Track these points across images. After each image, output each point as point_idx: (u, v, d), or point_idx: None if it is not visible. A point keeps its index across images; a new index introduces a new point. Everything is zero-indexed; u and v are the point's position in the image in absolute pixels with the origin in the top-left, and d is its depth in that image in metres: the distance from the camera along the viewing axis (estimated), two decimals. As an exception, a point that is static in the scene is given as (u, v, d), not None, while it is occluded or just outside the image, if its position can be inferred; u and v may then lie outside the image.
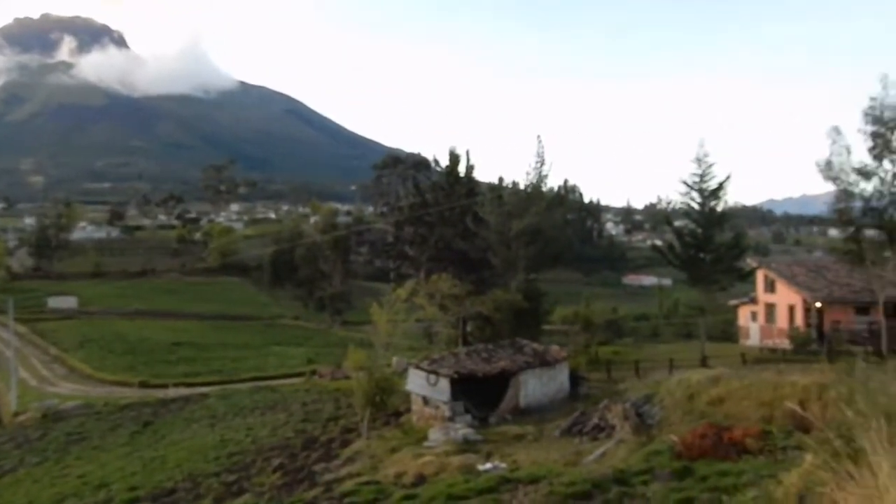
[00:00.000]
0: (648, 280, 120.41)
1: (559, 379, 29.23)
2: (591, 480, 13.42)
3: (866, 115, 28.58)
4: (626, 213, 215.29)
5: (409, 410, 29.00)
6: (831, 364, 23.29)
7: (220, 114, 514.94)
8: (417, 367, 28.73)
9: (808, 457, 7.54)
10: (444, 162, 52.18)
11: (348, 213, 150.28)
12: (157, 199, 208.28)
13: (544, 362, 28.99)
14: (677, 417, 21.72)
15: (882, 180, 29.43)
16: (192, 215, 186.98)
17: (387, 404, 28.97)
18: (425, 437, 23.66)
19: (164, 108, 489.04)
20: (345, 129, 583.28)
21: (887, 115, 28.06)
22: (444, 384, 26.93)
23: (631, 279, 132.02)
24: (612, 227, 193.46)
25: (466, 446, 21.73)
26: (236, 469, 25.11)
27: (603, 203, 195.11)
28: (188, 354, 66.75)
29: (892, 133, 28.20)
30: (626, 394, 25.81)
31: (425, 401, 27.76)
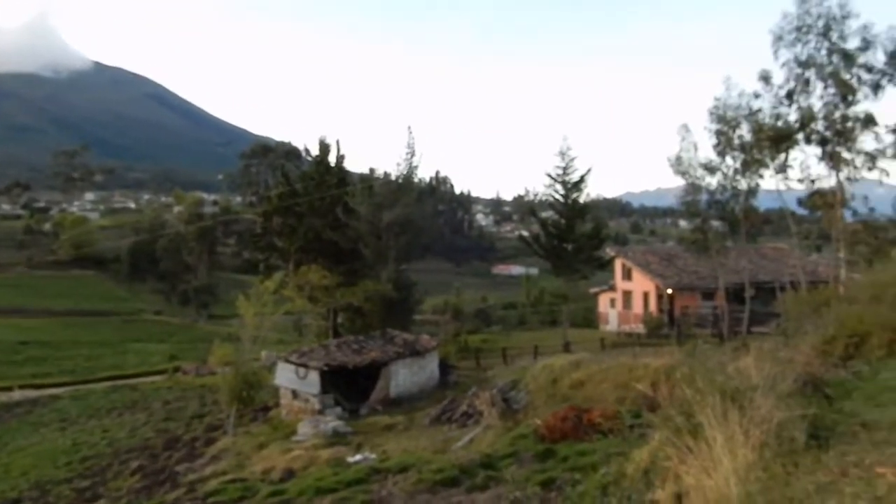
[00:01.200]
0: (517, 270, 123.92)
1: (429, 368, 29.61)
2: (458, 466, 13.72)
3: (711, 114, 30.78)
4: (496, 205, 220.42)
5: (277, 405, 28.44)
6: (680, 346, 24.94)
7: (72, 95, 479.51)
8: (286, 360, 28.21)
9: (658, 434, 8.08)
10: (315, 151, 51.38)
11: (215, 202, 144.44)
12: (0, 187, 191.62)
13: (415, 352, 29.27)
14: (542, 401, 22.55)
15: (725, 175, 31.80)
16: (41, 204, 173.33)
17: (254, 399, 28.28)
18: (294, 432, 23.29)
19: (7, 87, 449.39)
20: (210, 116, 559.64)
21: (730, 114, 30.31)
22: (314, 377, 26.62)
23: (500, 269, 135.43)
24: (482, 219, 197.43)
25: (336, 439, 21.60)
26: (90, 474, 23.67)
27: (473, 194, 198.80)
28: (37, 354, 61.90)
29: (734, 131, 30.49)
30: (494, 380, 26.53)
31: (294, 394, 27.32)
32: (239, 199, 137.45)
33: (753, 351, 9.30)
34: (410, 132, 47.61)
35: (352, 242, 43.45)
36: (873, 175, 28.07)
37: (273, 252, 49.95)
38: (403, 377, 28.30)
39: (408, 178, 46.71)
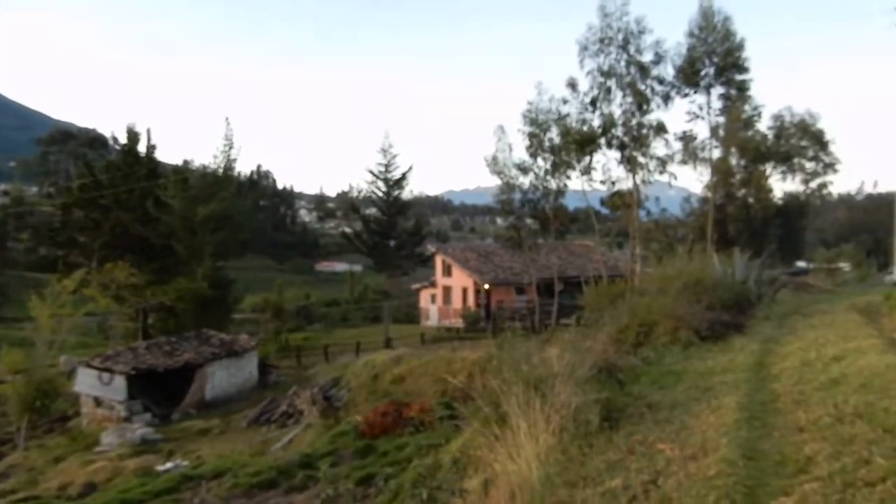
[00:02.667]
0: (341, 266, 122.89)
1: (248, 369, 28.68)
2: (276, 468, 13.44)
3: (524, 117, 32.31)
4: (320, 201, 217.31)
5: (78, 414, 26.24)
6: (495, 339, 26.04)
7: None
8: (88, 365, 26.10)
9: (470, 425, 8.39)
10: (123, 140, 48.01)
11: (5, 193, 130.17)
12: None
13: (232, 352, 28.22)
14: (363, 398, 22.61)
15: (537, 175, 33.51)
16: None
17: (49, 409, 25.89)
18: (97, 442, 21.65)
19: None
20: (2, 97, 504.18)
21: (541, 118, 31.98)
22: (120, 382, 24.87)
23: (324, 266, 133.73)
24: (305, 214, 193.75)
25: (145, 447, 20.35)
26: None
27: (297, 190, 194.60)
28: None
29: (545, 134, 32.21)
30: (315, 379, 26.22)
31: (98, 402, 25.36)
32: (34, 189, 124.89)
33: (558, 342, 9.94)
34: (228, 123, 45.86)
35: (164, 238, 41.03)
36: (664, 178, 30.89)
37: (74, 248, 46.03)
38: (220, 379, 27.19)
39: (226, 171, 44.94)
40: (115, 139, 53.48)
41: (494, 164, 33.99)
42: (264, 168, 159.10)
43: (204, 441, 21.23)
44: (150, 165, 45.60)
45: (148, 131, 46.29)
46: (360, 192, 54.22)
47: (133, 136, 46.03)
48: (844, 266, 42.09)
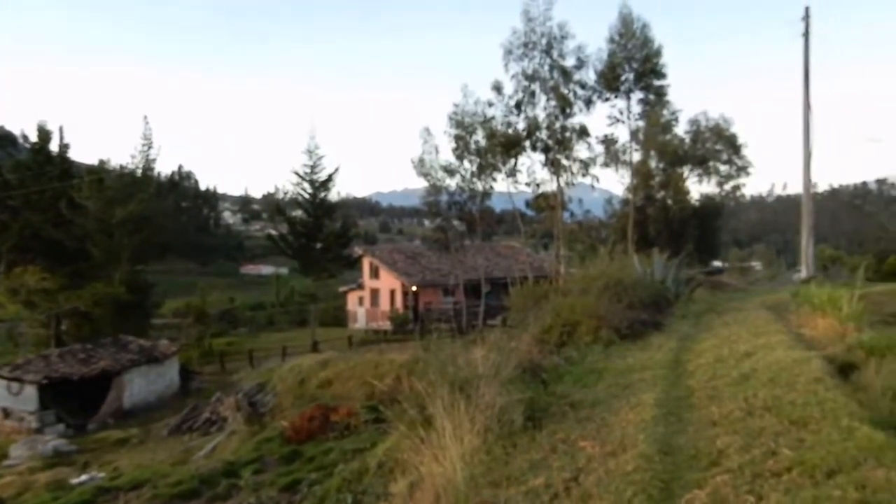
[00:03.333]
0: (266, 269, 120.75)
1: (168, 375, 27.87)
2: (199, 477, 13.08)
3: (451, 119, 32.49)
4: (245, 202, 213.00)
5: (-16, 427, 24.94)
6: (422, 341, 26.06)
7: None
8: (-5, 375, 24.85)
9: (398, 428, 8.37)
10: (33, 138, 45.88)
11: None
12: None
13: (152, 359, 27.36)
14: (289, 403, 22.29)
15: (463, 177, 33.76)
16: None
17: (-50, 423, 24.53)
18: (5, 456, 20.62)
19: None
20: None
21: (467, 120, 32.23)
22: (31, 392, 23.77)
23: (249, 269, 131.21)
24: (229, 216, 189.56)
25: (58, 459, 19.51)
26: None
27: (220, 191, 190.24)
28: None
29: (471, 136, 32.48)
30: (240, 384, 25.68)
31: (6, 413, 24.18)
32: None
33: (484, 343, 10.02)
34: (147, 122, 44.51)
35: (78, 241, 39.35)
36: (587, 180, 31.59)
37: (-22, 252, 43.54)
38: (139, 386, 26.32)
39: (145, 171, 43.52)
40: (24, 137, 50.99)
41: (421, 166, 34.08)
42: (186, 168, 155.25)
43: (122, 451, 20.51)
44: (63, 165, 43.67)
45: (61, 129, 44.33)
46: (285, 193, 53.41)
47: (44, 134, 43.99)
48: (756, 265, 43.99)
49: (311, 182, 39.74)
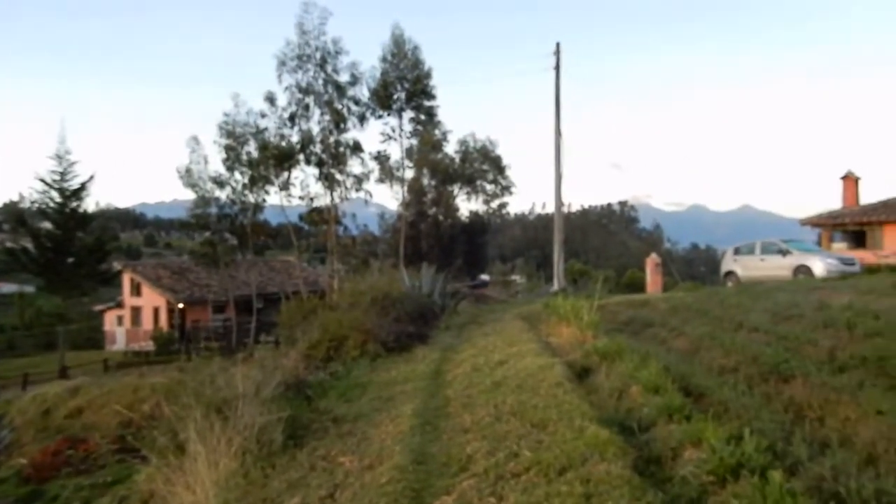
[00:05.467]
0: (8, 287, 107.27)
1: None
2: None
3: (221, 129, 31.23)
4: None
5: None
6: (189, 361, 24.65)
7: None
8: None
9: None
10: None
11: None
12: None
13: None
14: (31, 437, 19.96)
15: (234, 189, 32.55)
16: None
17: None
18: None
19: None
20: None
21: (238, 130, 31.17)
22: None
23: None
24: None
25: None
26: None
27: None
28: None
29: (243, 147, 31.45)
30: (-30, 419, 22.51)
31: None
32: None
33: (241, 360, 9.69)
34: None
35: None
36: (361, 195, 31.92)
37: None
38: None
39: None
40: None
41: (189, 177, 32.36)
42: None
43: None
44: None
45: None
46: (32, 202, 48.01)
47: None
48: (518, 278, 47.22)
49: (61, 190, 36.08)
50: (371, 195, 31.95)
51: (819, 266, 21.13)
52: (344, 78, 29.96)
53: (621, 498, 4.09)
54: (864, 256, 27.02)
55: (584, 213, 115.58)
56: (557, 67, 28.82)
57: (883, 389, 6.00)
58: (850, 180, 34.97)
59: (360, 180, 31.02)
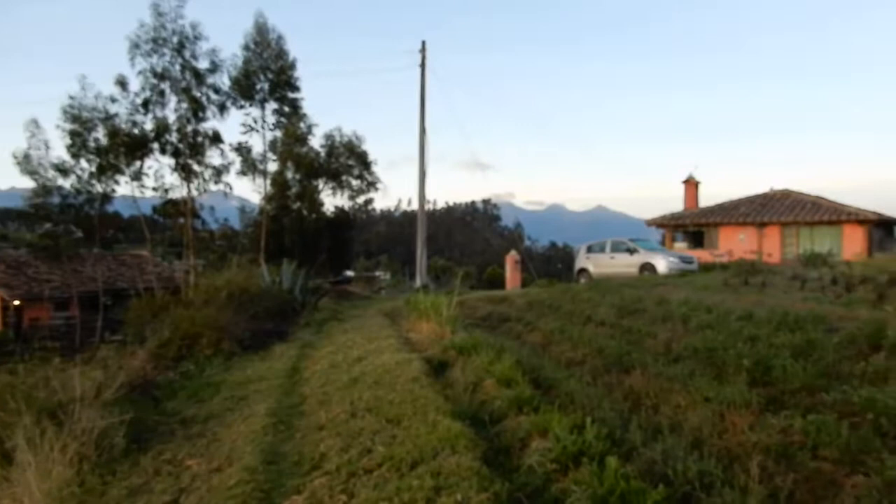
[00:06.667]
0: None
1: None
2: None
3: (66, 112, 28.98)
4: None
5: None
6: (26, 362, 22.79)
7: None
8: None
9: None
10: None
11: None
12: None
13: None
14: None
15: (80, 178, 30.30)
16: None
17: None
18: None
19: None
20: None
21: (85, 115, 29.04)
22: None
23: None
24: None
25: None
26: None
27: None
28: None
29: (90, 133, 29.32)
30: None
31: None
32: None
33: (84, 360, 9.08)
34: None
35: None
36: (220, 188, 30.68)
37: None
38: None
39: None
40: None
41: (27, 163, 29.78)
42: None
43: None
44: None
45: None
46: None
47: None
48: (382, 274, 47.27)
49: None
50: (231, 188, 30.82)
51: (662, 264, 22.64)
52: (203, 65, 28.65)
53: (469, 489, 4.18)
54: (702, 255, 29.23)
55: (449, 211, 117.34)
56: (423, 65, 29.11)
57: (710, 378, 6.49)
58: (691, 184, 37.72)
59: (219, 172, 29.80)
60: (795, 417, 5.12)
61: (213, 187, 30.34)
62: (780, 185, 36.21)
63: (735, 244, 32.64)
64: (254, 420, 6.83)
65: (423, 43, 29.12)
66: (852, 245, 30.12)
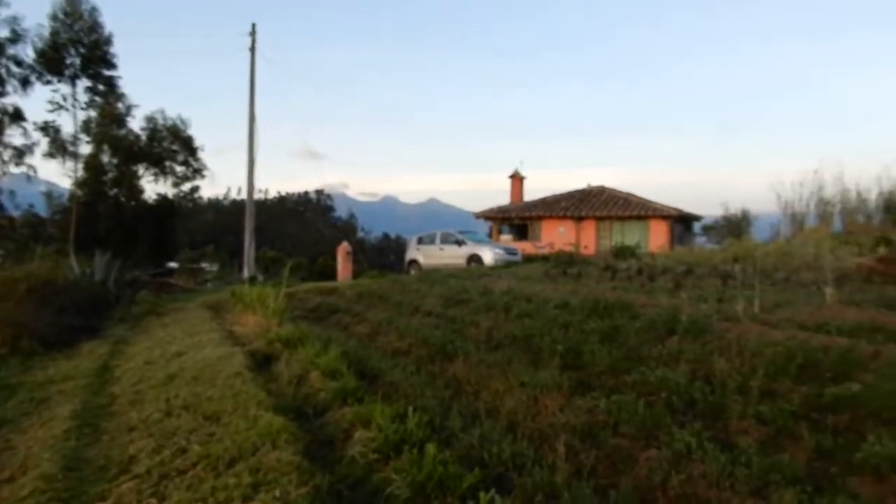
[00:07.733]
0: None
1: None
2: None
3: None
4: None
5: None
6: None
7: None
8: None
9: None
10: None
11: None
12: None
13: None
14: None
15: None
16: None
17: None
18: None
19: None
20: None
21: None
22: None
23: None
24: None
25: None
26: None
27: None
28: None
29: None
30: None
31: None
32: None
33: None
34: None
35: None
36: (23, 170, 28.04)
37: None
38: None
39: None
40: None
41: None
42: None
43: None
44: None
45: None
46: None
47: None
48: (208, 266, 45.15)
49: None
50: (36, 171, 28.28)
51: (488, 255, 23.49)
52: (2, 33, 26.01)
53: (289, 484, 4.11)
54: (525, 247, 30.69)
55: (282, 201, 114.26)
56: (253, 49, 28.12)
57: (527, 363, 6.83)
58: (517, 179, 39.42)
59: (21, 153, 27.28)
60: (600, 398, 5.51)
61: (13, 169, 27.66)
62: (596, 182, 38.78)
63: (556, 237, 34.55)
64: (54, 424, 6.30)
65: (254, 26, 28.11)
66: (657, 238, 32.89)
